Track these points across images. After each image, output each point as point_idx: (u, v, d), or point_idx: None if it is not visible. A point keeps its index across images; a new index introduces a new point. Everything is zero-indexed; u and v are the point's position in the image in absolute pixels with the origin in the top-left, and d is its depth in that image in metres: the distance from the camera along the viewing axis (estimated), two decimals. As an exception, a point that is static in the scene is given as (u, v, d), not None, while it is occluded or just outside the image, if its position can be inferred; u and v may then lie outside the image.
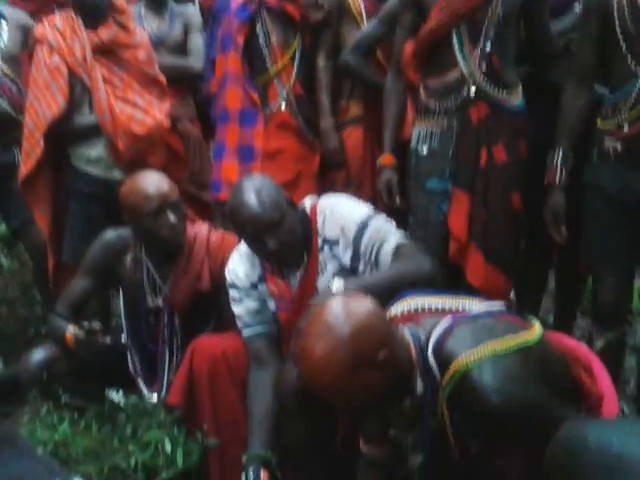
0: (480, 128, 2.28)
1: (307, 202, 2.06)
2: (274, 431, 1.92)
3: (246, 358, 2.04)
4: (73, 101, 2.60)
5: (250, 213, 1.88)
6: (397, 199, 2.40)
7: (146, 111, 2.62)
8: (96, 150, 2.63)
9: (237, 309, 2.07)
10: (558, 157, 2.17)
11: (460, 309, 1.52)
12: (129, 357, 2.37)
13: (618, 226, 2.12)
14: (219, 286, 2.24)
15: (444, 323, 1.44)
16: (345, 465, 1.86)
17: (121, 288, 2.40)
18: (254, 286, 2.06)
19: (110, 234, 2.33)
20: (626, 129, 2.04)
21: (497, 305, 1.57)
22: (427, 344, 1.44)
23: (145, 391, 2.32)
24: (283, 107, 2.76)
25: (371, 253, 1.90)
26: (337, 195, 2.11)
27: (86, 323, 2.18)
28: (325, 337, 1.34)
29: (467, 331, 1.42)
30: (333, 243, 1.96)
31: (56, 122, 2.57)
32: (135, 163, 2.55)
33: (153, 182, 2.19)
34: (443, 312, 1.51)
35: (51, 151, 2.63)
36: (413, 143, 2.39)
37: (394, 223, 1.98)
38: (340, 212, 1.97)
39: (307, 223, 1.99)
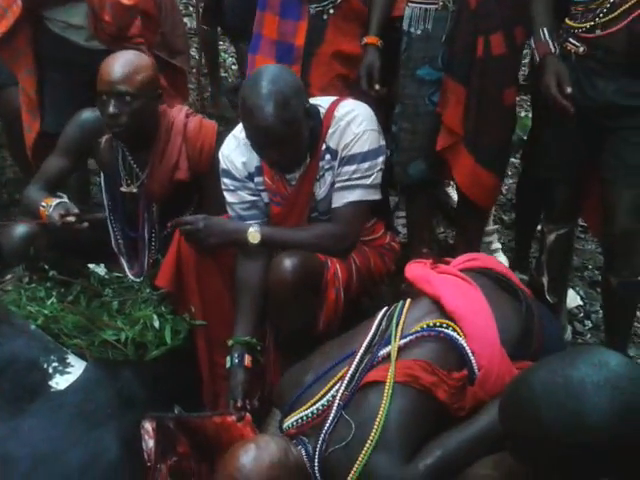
0: (479, 12, 2.15)
1: (324, 102, 2.00)
2: (261, 318, 2.03)
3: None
4: None
5: (263, 124, 1.82)
6: (377, 86, 2.24)
7: None
8: (76, 18, 2.44)
9: (230, 198, 2.09)
10: (544, 34, 2.07)
11: (330, 402, 1.68)
12: (112, 235, 2.37)
13: (572, 131, 2.12)
14: (199, 174, 2.23)
15: (321, 439, 1.63)
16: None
17: (100, 167, 2.35)
18: (250, 177, 2.06)
19: (87, 114, 2.23)
20: (598, 33, 1.98)
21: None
22: (314, 464, 1.64)
23: (127, 271, 2.36)
24: None
25: (334, 184, 1.97)
26: (360, 106, 2.04)
27: (60, 201, 2.14)
28: None
29: (338, 454, 1.61)
30: (334, 154, 1.96)
31: None
32: (116, 35, 2.41)
33: (112, 65, 2.08)
34: (324, 410, 1.68)
35: (26, 11, 2.43)
36: (405, 24, 2.25)
37: (377, 177, 2.02)
38: (353, 131, 1.95)
39: (318, 127, 1.96)
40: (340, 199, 2.01)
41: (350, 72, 2.36)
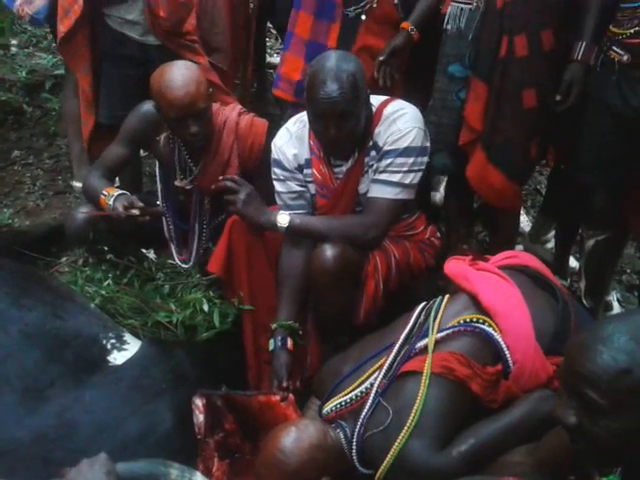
0: (504, 12, 2.19)
1: (375, 101, 2.08)
2: (302, 305, 2.12)
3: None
4: None
5: (333, 94, 1.90)
6: (381, 59, 2.33)
7: None
8: (133, 14, 2.56)
9: (279, 187, 2.19)
10: (581, 49, 2.15)
11: (368, 389, 1.78)
12: (164, 222, 2.48)
13: (614, 138, 2.15)
14: (248, 170, 2.32)
15: (359, 423, 1.74)
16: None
17: (156, 159, 2.46)
18: (300, 169, 2.15)
19: (148, 106, 2.32)
20: None
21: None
22: (352, 446, 1.75)
23: (175, 257, 2.46)
24: None
25: (374, 173, 2.05)
26: (409, 106, 2.10)
27: (121, 193, 2.22)
28: (274, 470, 1.61)
29: (375, 438, 1.71)
30: (378, 150, 2.05)
31: None
32: (171, 31, 2.51)
33: (180, 86, 2.10)
34: (362, 397, 1.79)
35: (87, 9, 2.56)
36: (445, 22, 2.33)
37: (415, 177, 2.07)
38: (398, 127, 2.03)
39: (369, 122, 2.04)
40: (375, 191, 2.08)
41: None
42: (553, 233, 2.86)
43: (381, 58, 2.35)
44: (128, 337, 2.03)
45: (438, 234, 2.34)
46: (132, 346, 1.99)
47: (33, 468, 1.30)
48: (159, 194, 2.46)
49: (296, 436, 1.64)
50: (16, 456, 1.57)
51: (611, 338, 1.16)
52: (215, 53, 2.76)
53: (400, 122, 2.04)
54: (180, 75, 2.14)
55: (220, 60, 2.78)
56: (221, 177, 2.17)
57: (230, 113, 2.33)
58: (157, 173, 2.47)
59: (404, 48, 2.37)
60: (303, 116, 2.17)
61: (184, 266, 2.43)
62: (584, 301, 2.45)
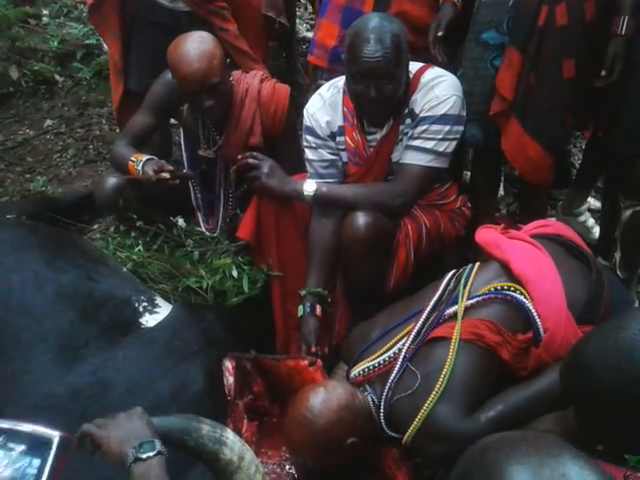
0: None
1: (412, 67, 2.05)
2: (332, 273, 2.13)
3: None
4: None
5: (377, 54, 1.87)
6: (440, 33, 2.23)
7: None
8: None
9: (311, 155, 2.17)
10: (624, 24, 2.08)
11: (397, 354, 1.78)
12: (192, 190, 2.49)
13: None
14: (272, 138, 2.31)
15: (387, 387, 1.75)
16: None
17: (182, 127, 2.46)
18: (332, 136, 2.13)
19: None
20: None
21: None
22: (379, 409, 1.76)
23: (202, 225, 2.48)
24: None
25: (408, 140, 2.00)
26: (447, 74, 2.07)
27: (150, 157, 2.23)
28: (302, 428, 1.65)
29: (403, 401, 1.71)
30: (414, 117, 2.02)
31: None
32: None
33: (194, 60, 2.07)
34: (390, 362, 1.78)
35: None
36: None
37: (449, 145, 2.03)
38: (436, 94, 1.99)
39: (406, 89, 2.01)
40: (407, 158, 2.06)
41: (416, 40, 2.34)
42: (586, 206, 2.81)
43: (440, 34, 2.25)
44: (159, 300, 2.06)
45: (469, 204, 2.31)
46: (163, 309, 2.02)
47: (70, 423, 1.32)
48: (185, 163, 2.46)
49: (325, 396, 1.66)
50: (54, 411, 1.62)
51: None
52: (282, 14, 2.75)
53: (438, 89, 2.01)
54: (193, 49, 2.11)
55: (284, 20, 2.78)
56: (240, 156, 2.16)
57: (252, 80, 2.31)
58: (182, 142, 2.47)
59: (447, 16, 2.28)
60: (337, 82, 2.14)
61: (210, 235, 2.44)
62: (618, 272, 2.41)
